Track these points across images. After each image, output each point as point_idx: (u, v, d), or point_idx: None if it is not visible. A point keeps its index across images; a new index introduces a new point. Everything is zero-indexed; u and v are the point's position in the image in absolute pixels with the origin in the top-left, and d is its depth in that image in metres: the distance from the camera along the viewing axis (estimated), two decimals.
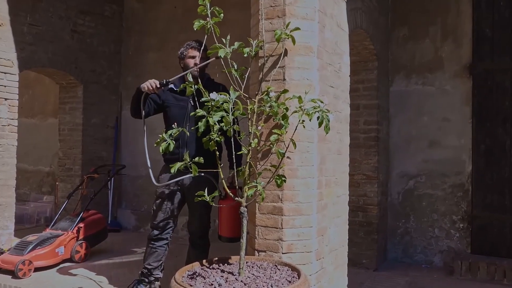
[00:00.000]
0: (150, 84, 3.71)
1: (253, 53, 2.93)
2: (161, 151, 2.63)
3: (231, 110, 2.51)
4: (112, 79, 7.57)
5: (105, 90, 7.43)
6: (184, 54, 3.97)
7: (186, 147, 3.77)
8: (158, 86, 3.72)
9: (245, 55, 2.84)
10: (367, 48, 5.16)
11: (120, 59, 7.68)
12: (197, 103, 2.96)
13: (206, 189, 2.63)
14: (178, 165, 2.57)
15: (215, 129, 2.53)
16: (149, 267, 3.97)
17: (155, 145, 2.71)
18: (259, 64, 3.06)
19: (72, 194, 5.82)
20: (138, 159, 7.18)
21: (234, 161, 2.72)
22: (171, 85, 3.95)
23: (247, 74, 2.80)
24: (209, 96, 2.53)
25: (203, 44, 3.43)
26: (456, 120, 5.47)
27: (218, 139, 2.55)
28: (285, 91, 2.82)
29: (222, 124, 2.53)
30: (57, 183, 7.54)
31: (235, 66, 2.71)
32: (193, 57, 3.90)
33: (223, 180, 2.72)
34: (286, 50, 2.99)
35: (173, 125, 2.87)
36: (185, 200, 3.96)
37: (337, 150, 3.60)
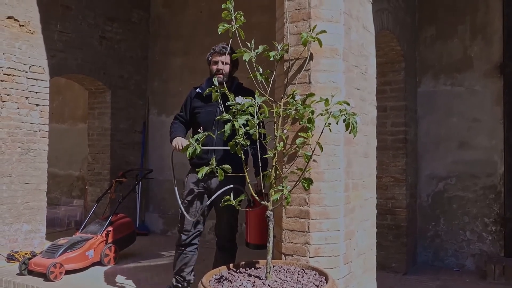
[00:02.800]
0: (180, 145, 3.75)
1: (279, 56, 2.93)
2: (188, 156, 2.63)
3: (256, 114, 2.51)
4: (140, 84, 7.67)
5: (132, 95, 7.54)
6: (209, 59, 3.97)
7: (214, 152, 3.76)
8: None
9: (271, 59, 2.84)
10: (394, 49, 5.09)
11: (146, 64, 7.78)
12: (223, 108, 2.96)
13: (233, 193, 2.62)
14: (205, 169, 2.57)
15: (240, 133, 2.52)
16: (183, 273, 3.96)
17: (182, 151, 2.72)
18: (285, 68, 3.05)
19: (101, 198, 5.91)
20: (165, 163, 7.26)
21: (260, 164, 2.71)
22: (198, 90, 3.97)
23: (272, 77, 2.80)
24: (234, 100, 2.53)
25: (229, 47, 3.43)
26: (486, 121, 5.34)
27: (243, 142, 2.55)
28: (311, 94, 2.80)
29: (248, 128, 2.52)
30: (86, 187, 7.68)
31: (260, 70, 2.71)
32: (216, 63, 3.89)
33: (249, 185, 2.72)
34: (311, 53, 2.97)
35: (198, 130, 2.88)
36: (212, 203, 3.96)
37: (364, 152, 3.56)
